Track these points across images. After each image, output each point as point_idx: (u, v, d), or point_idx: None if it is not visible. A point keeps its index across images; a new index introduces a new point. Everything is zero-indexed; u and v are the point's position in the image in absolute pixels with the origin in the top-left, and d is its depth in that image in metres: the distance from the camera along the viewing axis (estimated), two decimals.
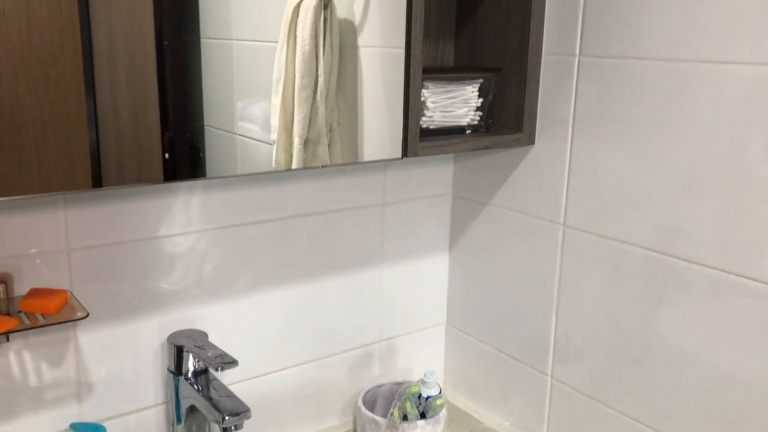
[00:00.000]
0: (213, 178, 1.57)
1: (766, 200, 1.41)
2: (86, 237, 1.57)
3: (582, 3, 1.67)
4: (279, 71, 1.56)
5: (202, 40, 1.46)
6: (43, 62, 1.31)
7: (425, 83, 1.69)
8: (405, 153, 1.66)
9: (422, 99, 1.70)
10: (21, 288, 1.52)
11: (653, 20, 1.54)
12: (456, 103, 1.77)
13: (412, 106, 1.63)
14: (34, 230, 1.51)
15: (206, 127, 1.49)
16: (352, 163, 1.79)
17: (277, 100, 1.57)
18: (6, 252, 1.50)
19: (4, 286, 1.49)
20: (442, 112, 1.75)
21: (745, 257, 1.45)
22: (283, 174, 1.78)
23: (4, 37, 1.28)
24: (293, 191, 1.81)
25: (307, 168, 1.67)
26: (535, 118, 1.81)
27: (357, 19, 1.60)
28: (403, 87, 1.62)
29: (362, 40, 1.61)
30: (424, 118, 1.72)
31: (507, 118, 1.83)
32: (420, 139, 1.68)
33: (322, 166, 1.68)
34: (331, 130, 1.62)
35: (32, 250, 1.52)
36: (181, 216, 1.68)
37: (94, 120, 1.37)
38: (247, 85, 1.54)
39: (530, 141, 1.82)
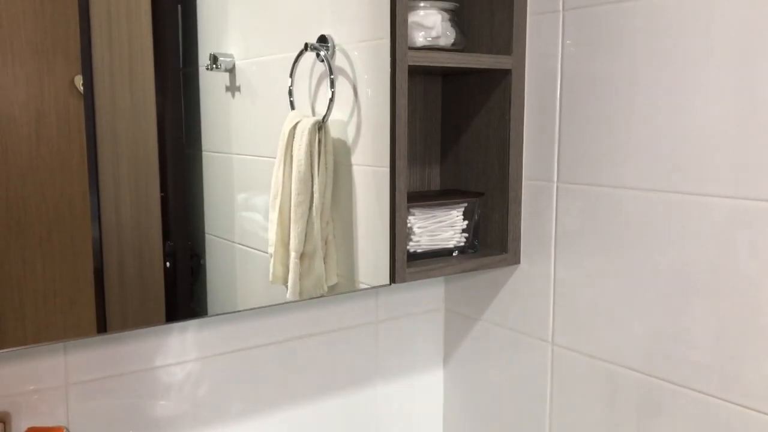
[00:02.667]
0: (214, 315, 1.55)
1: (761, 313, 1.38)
2: (84, 372, 1.52)
3: (557, 133, 1.70)
4: (276, 188, 1.53)
5: (204, 153, 1.43)
6: (51, 167, 1.29)
7: (412, 210, 1.68)
8: (393, 279, 1.63)
9: (409, 225, 1.69)
10: (19, 425, 1.45)
11: (628, 152, 1.56)
12: (442, 227, 1.75)
13: (398, 235, 1.62)
14: (34, 370, 1.46)
15: (207, 235, 1.45)
16: (346, 292, 1.75)
17: (274, 216, 1.54)
18: (5, 391, 1.44)
19: (2, 425, 1.42)
20: (429, 236, 1.73)
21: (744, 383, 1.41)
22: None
23: (14, 145, 1.26)
24: (288, 315, 1.75)
25: (303, 300, 1.65)
26: (519, 238, 1.79)
27: (350, 140, 1.60)
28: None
29: (355, 158, 1.60)
30: (411, 243, 1.70)
31: (492, 239, 1.81)
32: (408, 262, 1.66)
33: (320, 296, 1.62)
34: (326, 243, 1.59)
35: (30, 387, 1.46)
36: (178, 346, 1.63)
37: (98, 223, 1.32)
38: (246, 197, 1.50)
39: (515, 260, 1.79)
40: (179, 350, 1.61)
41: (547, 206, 1.73)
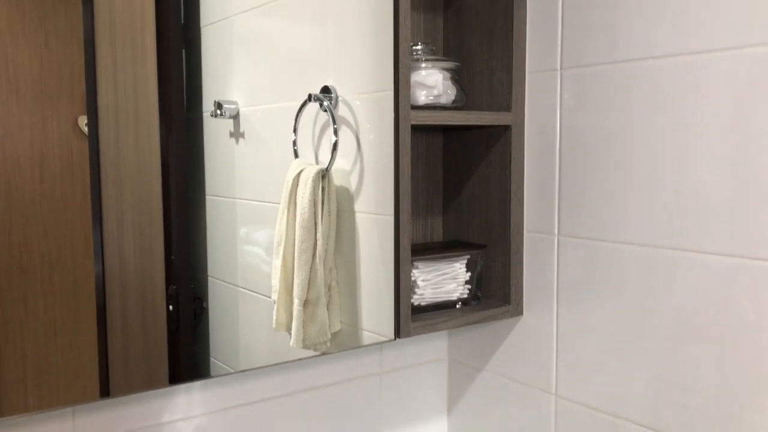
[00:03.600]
0: (218, 376, 1.51)
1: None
2: (90, 430, 1.44)
3: (557, 187, 1.67)
4: (280, 235, 1.50)
5: (208, 197, 1.40)
6: (54, 208, 1.26)
7: (416, 263, 1.65)
8: (397, 334, 1.58)
9: (413, 279, 1.65)
10: None
11: (627, 208, 1.53)
12: (446, 280, 1.71)
13: (402, 289, 1.58)
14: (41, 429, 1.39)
15: (210, 279, 1.41)
16: (350, 348, 1.71)
17: (277, 262, 1.50)
18: None
19: None
20: (433, 289, 1.69)
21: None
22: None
23: (17, 186, 1.24)
24: (293, 370, 1.68)
25: (308, 358, 1.61)
26: (522, 289, 1.75)
27: (353, 188, 1.57)
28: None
29: (358, 206, 1.57)
30: (415, 296, 1.66)
31: (495, 290, 1.77)
32: (413, 316, 1.62)
33: (323, 354, 1.58)
34: (329, 289, 1.55)
35: None
36: (183, 402, 1.55)
37: (101, 264, 1.28)
38: (249, 242, 1.47)
39: (518, 312, 1.74)
40: (185, 406, 1.55)
41: (548, 258, 1.69)
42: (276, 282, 1.50)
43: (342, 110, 1.55)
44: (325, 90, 1.55)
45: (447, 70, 1.69)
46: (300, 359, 1.61)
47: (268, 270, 1.51)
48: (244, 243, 1.49)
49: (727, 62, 1.34)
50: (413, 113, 1.55)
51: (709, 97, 1.36)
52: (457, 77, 1.72)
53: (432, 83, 1.65)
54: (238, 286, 1.47)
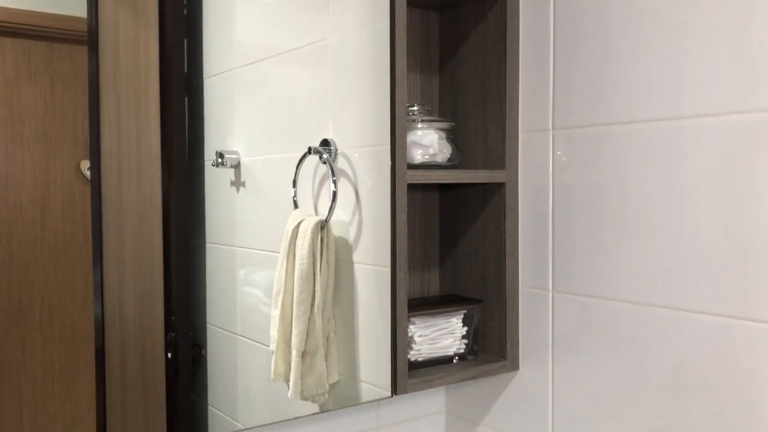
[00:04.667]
0: None
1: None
2: None
3: (551, 243, 1.64)
4: (279, 285, 1.45)
5: (208, 245, 1.36)
6: (54, 252, 1.22)
7: (412, 319, 1.60)
8: (394, 391, 1.53)
9: (410, 334, 1.60)
10: None
11: (620, 265, 1.50)
12: (443, 335, 1.66)
13: (399, 346, 1.54)
14: None
15: (209, 326, 1.36)
16: (347, 406, 1.65)
17: (276, 312, 1.45)
18: None
19: None
20: (429, 344, 1.64)
21: None
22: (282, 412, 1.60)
23: (19, 229, 1.20)
24: (290, 427, 1.62)
25: (306, 416, 1.55)
26: (518, 344, 1.70)
27: (351, 239, 1.53)
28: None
29: (357, 257, 1.53)
30: (412, 352, 1.61)
31: (491, 344, 1.72)
32: (409, 371, 1.57)
33: (321, 410, 1.53)
34: (328, 340, 1.50)
35: None
36: None
37: (101, 307, 1.23)
38: (248, 290, 1.42)
39: (514, 367, 1.68)
40: None
41: (543, 314, 1.65)
42: (274, 332, 1.45)
43: (341, 162, 1.52)
44: (325, 143, 1.52)
45: (443, 129, 1.67)
46: (297, 417, 1.54)
47: (266, 318, 1.45)
48: (243, 291, 1.45)
49: (717, 127, 1.32)
50: (410, 173, 1.53)
51: (700, 160, 1.34)
52: (452, 136, 1.70)
53: (428, 143, 1.63)
54: (236, 334, 1.42)
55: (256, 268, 1.46)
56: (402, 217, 1.51)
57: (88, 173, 1.24)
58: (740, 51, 1.28)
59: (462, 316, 1.69)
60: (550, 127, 1.62)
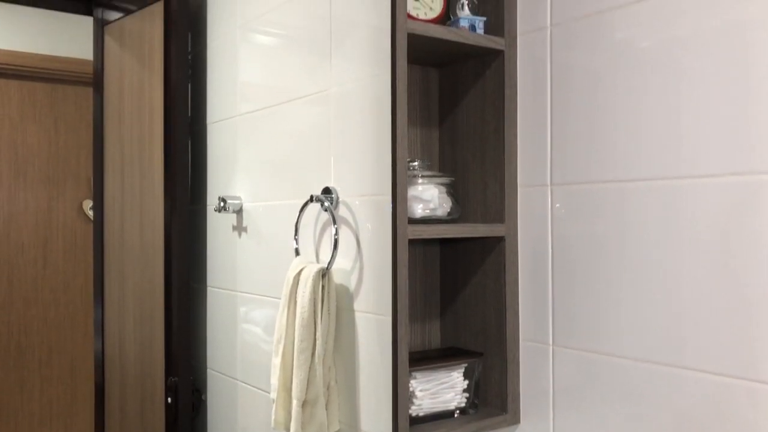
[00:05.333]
0: None
1: None
2: None
3: (551, 297, 1.61)
4: (280, 333, 1.42)
5: (209, 288, 1.33)
6: (55, 290, 1.19)
7: (413, 374, 1.57)
8: None
9: (411, 389, 1.56)
10: None
11: (619, 321, 1.47)
12: (444, 389, 1.62)
13: (400, 402, 1.49)
14: None
15: (209, 371, 1.32)
16: None
17: (277, 361, 1.41)
18: None
19: None
20: (431, 399, 1.60)
21: None
22: None
23: (20, 269, 1.18)
24: None
25: None
26: (519, 398, 1.65)
27: (352, 287, 1.50)
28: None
29: (358, 305, 1.50)
30: (413, 407, 1.57)
31: (492, 398, 1.67)
32: (410, 426, 1.52)
33: None
34: (328, 389, 1.46)
35: None
36: None
37: (101, 346, 1.20)
38: (249, 335, 1.38)
39: (515, 420, 1.64)
40: None
41: (544, 368, 1.61)
42: (275, 380, 1.41)
43: (342, 210, 1.50)
44: (326, 191, 1.50)
45: (443, 184, 1.66)
46: None
47: (267, 364, 1.41)
48: (244, 337, 1.41)
49: (714, 187, 1.31)
50: (411, 228, 1.51)
51: (699, 219, 1.33)
52: (452, 190, 1.69)
53: (428, 197, 1.62)
54: (237, 379, 1.38)
55: (257, 314, 1.43)
56: (403, 272, 1.48)
57: (90, 213, 1.22)
58: (735, 114, 1.28)
59: (463, 370, 1.65)
60: (549, 183, 1.61)
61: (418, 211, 1.62)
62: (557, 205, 1.58)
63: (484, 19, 1.66)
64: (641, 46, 1.42)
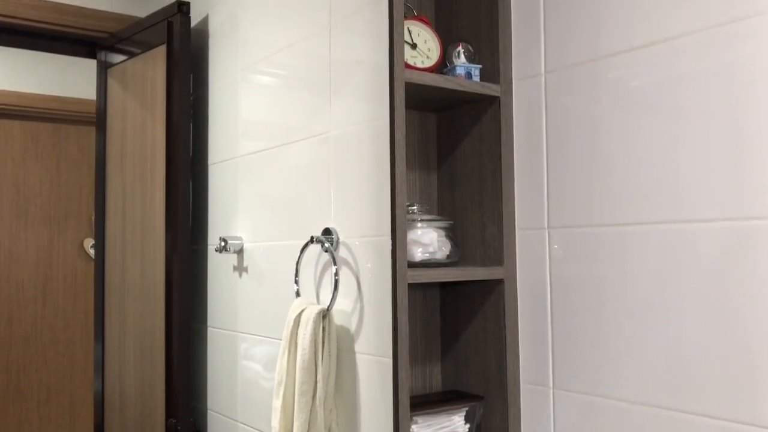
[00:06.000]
0: None
1: None
2: None
3: (550, 340, 1.59)
4: (281, 375, 1.39)
5: (209, 329, 1.31)
6: (54, 330, 1.17)
7: (414, 418, 1.54)
8: None
9: None
10: None
11: (619, 364, 1.45)
12: None
13: None
14: None
15: (209, 412, 1.29)
16: None
17: (278, 403, 1.38)
18: None
19: None
20: None
21: None
22: None
23: (20, 308, 1.16)
24: None
25: None
26: None
27: (353, 328, 1.48)
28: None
29: (359, 347, 1.48)
30: None
31: None
32: None
33: None
34: (330, 431, 1.40)
35: None
36: None
37: (100, 387, 1.17)
38: (249, 377, 1.35)
39: None
40: None
41: (545, 411, 1.58)
42: (276, 423, 1.37)
43: (342, 251, 1.49)
44: (327, 231, 1.49)
45: (442, 228, 1.65)
46: None
47: (268, 405, 1.38)
48: (244, 378, 1.38)
49: (710, 232, 1.30)
50: (410, 272, 1.49)
51: (696, 263, 1.32)
52: (451, 233, 1.68)
53: (427, 241, 1.61)
54: (237, 421, 1.34)
55: (257, 355, 1.40)
56: (404, 317, 1.46)
57: (90, 251, 1.20)
58: (727, 159, 1.28)
59: (464, 413, 1.62)
60: (546, 226, 1.60)
61: (418, 254, 1.61)
62: (555, 246, 1.57)
63: (480, 66, 1.67)
64: (636, 91, 1.42)
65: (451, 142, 1.77)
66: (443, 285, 1.80)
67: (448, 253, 1.64)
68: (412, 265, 1.57)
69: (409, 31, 1.60)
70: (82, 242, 1.20)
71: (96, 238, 1.21)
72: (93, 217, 1.22)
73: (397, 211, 1.48)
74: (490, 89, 1.65)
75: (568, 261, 1.55)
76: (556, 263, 1.57)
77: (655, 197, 1.38)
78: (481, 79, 1.67)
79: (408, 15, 1.67)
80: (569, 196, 1.55)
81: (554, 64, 1.59)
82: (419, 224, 1.62)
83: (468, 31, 1.72)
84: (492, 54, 1.68)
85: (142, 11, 1.30)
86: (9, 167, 1.17)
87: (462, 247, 1.72)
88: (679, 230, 1.34)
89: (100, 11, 1.26)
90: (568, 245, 1.55)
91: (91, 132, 1.22)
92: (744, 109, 1.25)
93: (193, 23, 1.35)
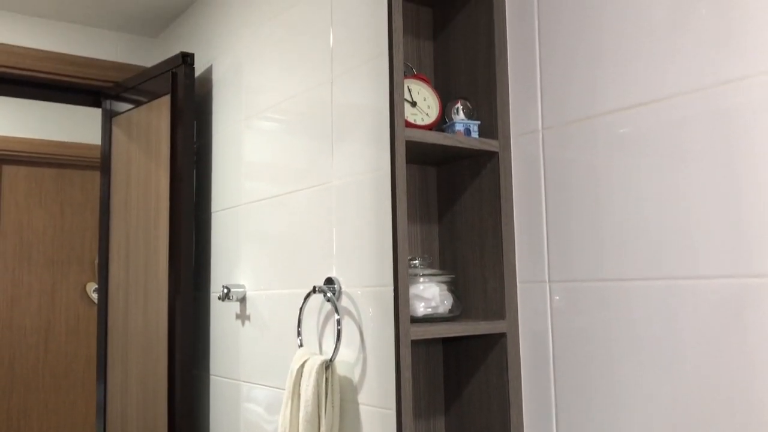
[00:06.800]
0: None
1: None
2: None
3: (553, 395, 1.56)
4: (283, 427, 1.37)
5: (212, 377, 1.28)
6: (56, 375, 1.14)
7: None
8: None
9: None
10: None
11: (620, 423, 1.42)
12: None
13: None
14: None
15: None
16: None
17: None
18: None
19: None
20: None
21: None
22: None
23: (21, 354, 1.14)
24: None
25: None
26: None
27: (356, 379, 1.46)
28: None
29: (362, 398, 1.45)
30: None
31: None
32: None
33: None
34: None
35: None
36: None
37: (103, 425, 1.14)
38: (252, 425, 1.32)
39: None
40: None
41: None
42: None
43: (345, 301, 1.47)
44: (329, 281, 1.47)
45: (444, 282, 1.63)
46: None
47: None
48: (247, 427, 1.34)
49: (710, 289, 1.29)
50: (413, 328, 1.48)
51: (697, 318, 1.31)
52: (453, 287, 1.66)
53: (430, 296, 1.59)
54: None
55: (260, 405, 1.37)
56: (407, 374, 1.44)
57: (93, 295, 1.18)
58: (728, 217, 1.28)
59: None
60: (547, 279, 1.59)
61: (420, 309, 1.59)
62: (556, 297, 1.56)
63: (479, 122, 1.67)
64: (633, 147, 1.43)
65: (451, 194, 1.77)
66: (446, 339, 1.77)
67: (450, 308, 1.62)
68: (415, 320, 1.56)
69: (408, 89, 1.61)
70: (84, 286, 1.19)
71: (99, 283, 1.19)
72: (96, 261, 1.20)
73: (399, 267, 1.47)
74: (489, 145, 1.66)
75: (570, 314, 1.53)
76: (558, 315, 1.55)
77: (656, 252, 1.38)
78: (480, 135, 1.68)
79: (408, 74, 1.68)
80: (569, 249, 1.54)
81: (551, 121, 1.59)
82: (421, 279, 1.61)
83: (466, 88, 1.74)
84: (490, 110, 1.69)
85: (146, 60, 1.31)
86: (13, 212, 1.15)
87: (464, 300, 1.70)
88: (679, 286, 1.34)
89: (106, 61, 1.26)
90: (569, 298, 1.53)
91: (94, 176, 1.22)
92: (742, 168, 1.26)
93: (197, 72, 1.36)
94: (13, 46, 1.19)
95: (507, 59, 1.70)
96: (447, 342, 1.77)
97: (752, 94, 1.24)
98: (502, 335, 1.63)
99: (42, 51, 1.22)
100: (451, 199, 1.77)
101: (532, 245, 1.63)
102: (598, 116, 1.49)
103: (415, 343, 1.70)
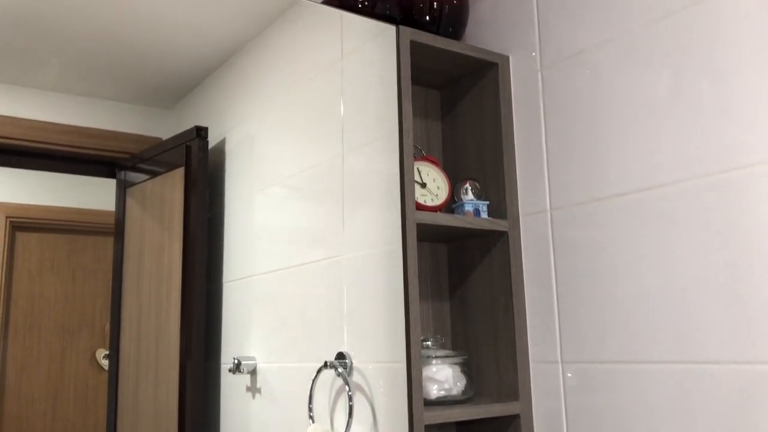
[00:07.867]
0: None
1: None
2: None
3: None
4: None
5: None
6: None
7: None
8: None
9: None
10: None
11: None
12: None
13: None
14: None
15: None
16: None
17: None
18: None
19: None
20: None
21: None
22: None
23: (29, 423, 1.11)
24: None
25: None
26: None
27: None
28: None
29: None
30: None
31: None
32: None
33: None
34: None
35: None
36: None
37: None
38: None
39: None
40: None
41: None
42: None
43: (356, 377, 1.43)
44: (340, 355, 1.44)
45: (457, 364, 1.60)
46: None
47: None
48: None
49: (720, 374, 1.27)
50: (427, 413, 1.45)
51: (709, 403, 1.29)
52: (466, 368, 1.63)
53: (443, 378, 1.57)
54: None
55: None
56: None
57: (103, 362, 1.16)
58: (737, 305, 1.26)
59: None
60: (560, 360, 1.56)
61: (434, 392, 1.56)
62: (569, 374, 1.52)
63: (487, 202, 1.67)
64: (639, 229, 1.43)
65: (462, 272, 1.75)
66: (459, 421, 1.72)
67: (463, 389, 1.59)
68: (428, 402, 1.53)
69: (418, 171, 1.62)
70: (94, 353, 1.16)
71: (110, 352, 1.16)
72: (107, 327, 1.18)
73: (412, 351, 1.45)
74: (498, 224, 1.66)
75: (583, 394, 1.50)
76: (571, 396, 1.52)
77: (665, 335, 1.36)
78: (489, 214, 1.68)
79: (417, 156, 1.69)
80: (580, 330, 1.53)
81: (559, 202, 1.59)
82: (434, 360, 1.58)
83: (475, 168, 1.75)
84: (498, 190, 1.69)
85: (161, 131, 1.32)
86: (25, 281, 1.14)
87: (477, 380, 1.67)
88: (689, 370, 1.32)
89: (122, 133, 1.27)
90: (582, 378, 1.51)
91: (106, 242, 1.20)
92: (746, 251, 1.25)
93: (210, 144, 1.36)
94: (33, 120, 1.20)
95: (513, 140, 1.72)
96: (461, 424, 1.73)
97: (759, 181, 1.24)
98: (516, 417, 1.59)
99: (60, 125, 1.23)
100: (462, 277, 1.76)
101: (543, 325, 1.61)
102: (606, 199, 1.49)
103: (429, 427, 1.65)
